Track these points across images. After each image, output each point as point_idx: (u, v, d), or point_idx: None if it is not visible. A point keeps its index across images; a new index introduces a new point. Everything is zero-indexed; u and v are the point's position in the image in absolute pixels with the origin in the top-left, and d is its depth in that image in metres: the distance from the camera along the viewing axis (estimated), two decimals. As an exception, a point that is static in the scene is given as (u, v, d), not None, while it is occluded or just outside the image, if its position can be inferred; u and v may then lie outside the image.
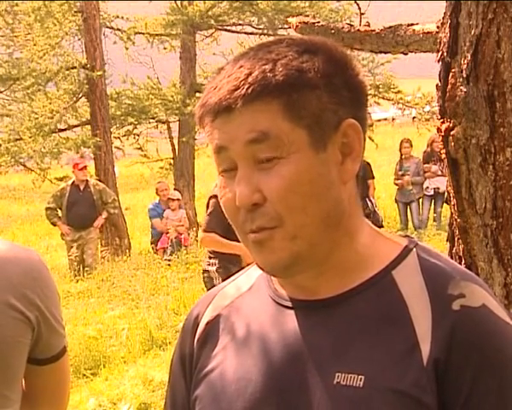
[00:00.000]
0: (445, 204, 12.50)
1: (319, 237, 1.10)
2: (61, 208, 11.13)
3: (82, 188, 11.05)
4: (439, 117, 2.05)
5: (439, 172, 12.62)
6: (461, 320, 1.06)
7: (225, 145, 1.09)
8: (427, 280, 1.10)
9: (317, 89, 1.08)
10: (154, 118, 16.35)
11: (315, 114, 1.08)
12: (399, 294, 1.10)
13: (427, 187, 12.90)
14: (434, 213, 12.85)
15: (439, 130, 2.05)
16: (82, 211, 10.88)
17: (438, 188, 12.64)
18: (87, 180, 11.19)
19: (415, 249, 1.15)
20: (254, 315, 1.19)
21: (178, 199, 12.16)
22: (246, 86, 1.06)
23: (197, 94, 16.33)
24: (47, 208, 11.34)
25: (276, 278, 1.17)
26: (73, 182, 11.20)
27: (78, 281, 10.23)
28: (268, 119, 1.06)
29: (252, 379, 1.14)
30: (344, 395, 1.06)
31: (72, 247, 10.97)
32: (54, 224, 11.37)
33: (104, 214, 11.12)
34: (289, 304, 1.16)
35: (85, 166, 11.27)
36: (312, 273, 1.13)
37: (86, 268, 10.53)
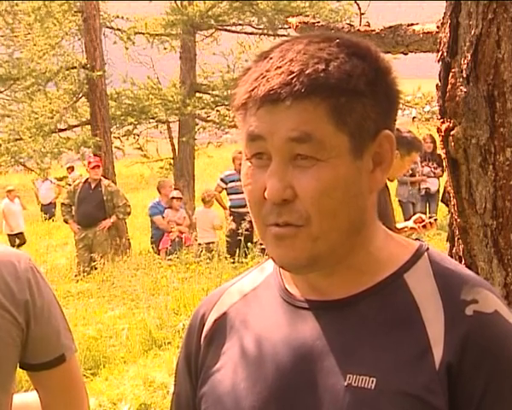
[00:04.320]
0: (440, 203, 12.48)
1: (339, 243, 1.10)
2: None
3: (93, 186, 11.01)
4: (439, 117, 2.05)
5: (431, 174, 12.58)
6: (474, 326, 1.06)
7: (263, 135, 1.08)
8: (440, 284, 1.10)
9: (363, 96, 1.08)
10: (154, 118, 16.35)
11: (358, 122, 1.08)
12: (411, 297, 1.10)
13: (419, 188, 12.83)
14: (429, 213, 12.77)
15: (439, 130, 2.05)
16: (89, 209, 10.83)
17: (428, 189, 12.60)
18: (100, 179, 11.14)
19: (426, 253, 1.15)
20: (262, 314, 1.19)
21: (181, 198, 12.15)
22: (298, 83, 1.05)
23: (197, 94, 16.34)
24: (62, 204, 11.40)
25: (290, 273, 1.17)
26: (87, 179, 11.19)
27: (78, 281, 10.23)
28: (314, 120, 1.06)
29: (260, 378, 1.13)
30: (355, 397, 1.06)
31: (79, 246, 10.95)
32: (66, 221, 11.40)
33: (113, 218, 11.03)
34: (301, 304, 1.15)
35: (98, 165, 11.22)
36: (326, 272, 1.13)
37: (92, 268, 10.49)
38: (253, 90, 1.08)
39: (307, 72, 1.05)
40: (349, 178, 1.08)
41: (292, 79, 1.05)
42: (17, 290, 1.62)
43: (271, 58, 1.09)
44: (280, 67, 1.07)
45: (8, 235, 15.32)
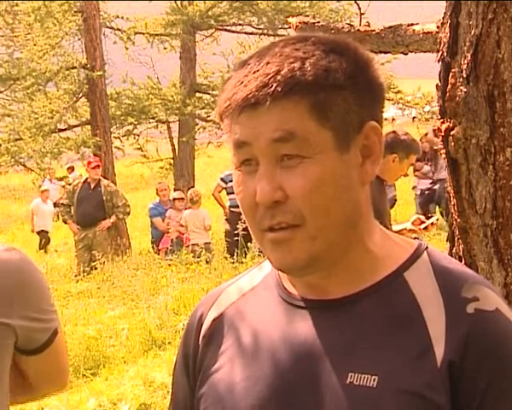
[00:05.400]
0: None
1: (337, 239, 1.10)
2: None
3: (93, 186, 11.00)
4: (439, 117, 2.05)
5: (430, 174, 12.43)
6: (476, 324, 1.06)
7: (248, 141, 1.08)
8: (441, 282, 1.10)
9: (343, 90, 1.08)
10: (154, 118, 16.36)
11: (341, 116, 1.08)
12: (412, 295, 1.10)
13: (415, 186, 12.73)
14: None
15: (439, 130, 2.05)
16: (88, 209, 10.82)
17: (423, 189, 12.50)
18: (99, 179, 11.13)
19: (426, 252, 1.15)
20: (261, 314, 1.19)
21: (183, 198, 12.13)
22: (275, 84, 1.05)
23: (197, 94, 16.35)
24: (61, 204, 11.41)
25: (289, 276, 1.17)
26: (86, 179, 11.18)
27: (78, 281, 10.22)
28: (295, 118, 1.06)
29: (260, 377, 1.13)
30: (357, 395, 1.06)
31: (78, 246, 10.96)
32: (65, 221, 11.41)
33: (112, 218, 11.01)
34: (300, 303, 1.15)
35: (98, 166, 11.23)
36: (325, 273, 1.13)
37: (92, 268, 10.48)
38: (232, 97, 1.08)
39: (283, 72, 1.06)
40: (337, 172, 1.08)
41: (268, 80, 1.06)
42: (8, 295, 1.61)
43: (249, 64, 1.10)
44: (257, 71, 1.07)
45: (38, 232, 15.35)
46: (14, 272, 1.63)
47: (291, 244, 1.08)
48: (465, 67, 1.94)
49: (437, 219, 5.32)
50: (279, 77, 1.05)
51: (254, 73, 1.07)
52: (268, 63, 1.07)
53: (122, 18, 16.94)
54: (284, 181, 1.07)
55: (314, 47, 1.09)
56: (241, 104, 1.07)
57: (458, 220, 2.07)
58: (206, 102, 16.40)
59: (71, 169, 18.54)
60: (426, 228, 5.14)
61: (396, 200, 12.54)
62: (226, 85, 1.11)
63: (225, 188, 11.32)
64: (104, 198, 10.96)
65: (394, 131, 4.90)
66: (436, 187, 12.13)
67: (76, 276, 10.52)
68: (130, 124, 16.33)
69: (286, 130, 1.06)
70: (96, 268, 10.27)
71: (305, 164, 1.06)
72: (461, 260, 2.07)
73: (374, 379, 1.06)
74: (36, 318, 1.67)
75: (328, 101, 1.07)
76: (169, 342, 6.94)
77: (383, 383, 1.06)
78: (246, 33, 17.49)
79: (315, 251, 1.09)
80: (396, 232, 4.97)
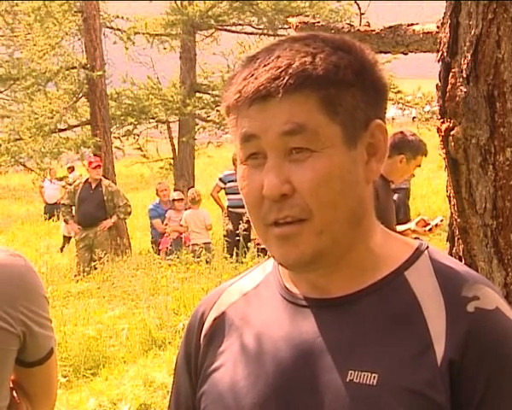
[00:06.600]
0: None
1: (342, 235, 1.10)
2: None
3: (94, 186, 11.00)
4: (439, 117, 2.05)
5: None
6: (476, 322, 1.07)
7: (257, 134, 1.08)
8: (441, 282, 1.11)
9: (352, 87, 1.09)
10: (153, 118, 16.36)
11: (349, 112, 1.09)
12: (413, 294, 1.11)
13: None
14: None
15: (439, 130, 2.05)
16: (89, 209, 10.81)
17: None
18: (100, 179, 11.13)
19: (426, 251, 1.16)
20: (263, 313, 1.19)
21: (182, 199, 12.11)
22: (287, 77, 1.06)
23: (197, 94, 16.35)
24: (62, 204, 11.44)
25: (292, 273, 1.17)
26: (87, 179, 11.19)
27: (78, 281, 10.22)
28: (305, 111, 1.06)
29: (261, 376, 1.13)
30: (357, 393, 1.07)
31: (79, 246, 10.96)
32: (66, 221, 11.43)
33: (114, 218, 11.01)
34: (302, 302, 1.16)
35: (99, 165, 11.24)
36: (327, 271, 1.13)
37: (92, 269, 10.48)
38: (242, 89, 1.09)
39: (294, 65, 1.06)
40: (344, 167, 1.08)
41: (280, 73, 1.06)
42: (12, 301, 1.62)
43: (258, 58, 1.11)
44: (267, 64, 1.08)
45: (64, 236, 15.20)
46: (17, 278, 1.64)
47: (298, 239, 1.08)
48: (465, 67, 1.94)
49: (441, 220, 5.30)
50: (291, 70, 1.06)
51: (265, 66, 1.08)
52: (279, 57, 1.08)
53: (122, 18, 16.94)
54: (292, 174, 1.07)
55: (323, 44, 1.10)
56: (252, 96, 1.07)
57: (458, 220, 2.07)
58: (206, 102, 16.40)
59: (71, 169, 18.52)
60: (430, 230, 5.12)
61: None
62: (235, 79, 1.11)
63: (224, 188, 11.31)
64: (105, 198, 10.96)
65: (402, 132, 4.90)
66: (395, 197, 11.94)
67: (76, 276, 10.51)
68: (130, 124, 16.33)
69: (296, 123, 1.06)
70: (96, 268, 10.26)
71: (313, 158, 1.07)
72: (461, 260, 2.07)
73: (374, 377, 1.06)
74: (38, 329, 1.68)
75: (337, 96, 1.08)
76: (169, 342, 6.94)
77: (383, 381, 1.06)
78: (246, 33, 17.49)
79: (320, 246, 1.09)
80: (400, 233, 4.98)
